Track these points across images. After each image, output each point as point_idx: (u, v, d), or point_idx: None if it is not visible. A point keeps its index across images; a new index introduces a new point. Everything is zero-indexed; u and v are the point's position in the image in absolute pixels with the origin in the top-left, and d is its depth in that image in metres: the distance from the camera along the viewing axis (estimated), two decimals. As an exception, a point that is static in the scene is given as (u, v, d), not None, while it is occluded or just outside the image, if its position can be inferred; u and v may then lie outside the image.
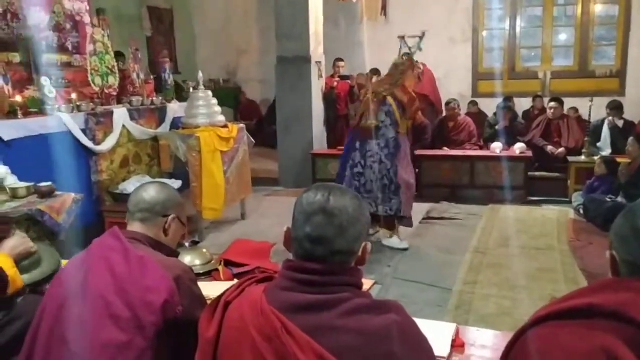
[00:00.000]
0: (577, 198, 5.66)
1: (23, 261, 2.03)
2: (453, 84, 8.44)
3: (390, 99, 4.55)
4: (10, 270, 1.88)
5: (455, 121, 7.06)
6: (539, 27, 8.46)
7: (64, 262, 1.98)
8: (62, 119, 4.25)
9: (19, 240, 2.10)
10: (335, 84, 7.61)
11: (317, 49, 7.14)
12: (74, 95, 4.53)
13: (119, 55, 5.35)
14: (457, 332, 1.82)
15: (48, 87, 4.33)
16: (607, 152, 6.36)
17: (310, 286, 1.20)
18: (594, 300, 1.03)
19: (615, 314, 0.99)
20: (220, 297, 1.30)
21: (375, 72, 7.01)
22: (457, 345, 1.76)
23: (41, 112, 4.29)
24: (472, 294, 3.70)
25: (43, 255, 2.14)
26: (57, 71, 4.55)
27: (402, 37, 5.34)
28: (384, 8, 8.76)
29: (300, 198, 1.27)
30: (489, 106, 7.75)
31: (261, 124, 9.56)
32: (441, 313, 3.35)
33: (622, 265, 1.10)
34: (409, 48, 5.14)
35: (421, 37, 5.13)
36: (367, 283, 2.24)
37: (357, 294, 1.22)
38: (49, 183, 3.59)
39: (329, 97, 7.48)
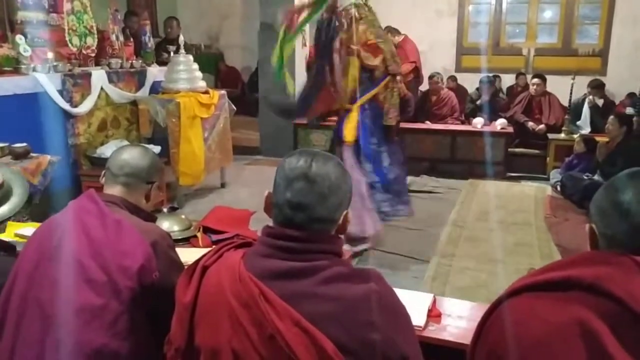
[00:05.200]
0: (555, 175, 5.73)
1: None
2: (437, 57, 8.39)
3: None
4: None
5: (438, 95, 7.05)
6: (524, 3, 8.41)
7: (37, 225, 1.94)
8: (37, 79, 4.13)
9: None
10: (319, 52, 7.50)
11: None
12: (50, 55, 4.39)
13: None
14: (434, 302, 1.83)
15: (23, 45, 4.19)
16: (586, 130, 6.42)
17: (289, 253, 1.19)
18: (572, 273, 1.03)
19: (593, 287, 0.99)
20: (197, 261, 1.29)
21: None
22: (434, 315, 1.78)
23: (16, 71, 4.16)
24: (449, 266, 3.74)
25: (11, 184, 2.06)
26: (32, 29, 4.40)
27: None
28: (371, -23, 8.62)
29: (283, 162, 1.25)
30: (472, 81, 7.75)
31: (243, 91, 9.43)
32: (417, 284, 3.39)
33: (601, 239, 1.10)
34: None
35: None
36: (344, 253, 2.25)
37: (336, 262, 1.21)
38: (24, 144, 3.51)
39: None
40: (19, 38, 4.18)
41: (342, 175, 1.24)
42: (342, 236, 1.31)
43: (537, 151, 6.45)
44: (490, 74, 7.50)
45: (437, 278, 3.55)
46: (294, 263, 1.17)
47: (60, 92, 4.30)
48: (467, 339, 1.58)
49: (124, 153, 1.73)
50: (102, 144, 4.76)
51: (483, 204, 5.19)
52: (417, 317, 1.69)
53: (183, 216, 2.67)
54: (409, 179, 5.93)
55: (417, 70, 7.14)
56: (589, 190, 4.68)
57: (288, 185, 1.20)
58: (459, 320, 1.77)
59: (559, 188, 5.46)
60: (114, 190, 1.69)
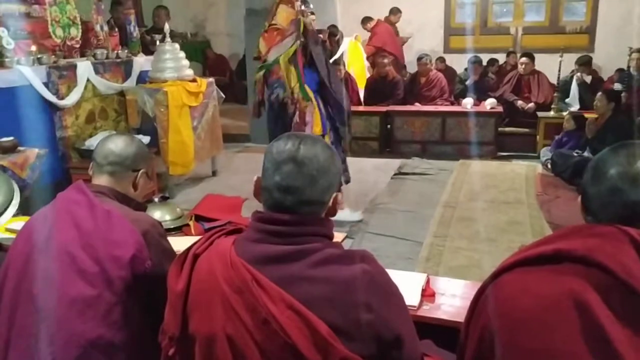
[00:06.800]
0: (545, 153, 5.75)
1: None
2: (425, 39, 8.38)
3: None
4: None
5: (427, 77, 7.04)
6: (511, -18, 8.40)
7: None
8: (22, 72, 4.07)
9: None
10: (307, 37, 7.45)
11: (287, 1, 6.94)
12: (33, 47, 4.33)
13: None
14: (428, 282, 1.84)
15: (6, 38, 4.12)
16: (575, 107, 6.43)
17: (279, 237, 1.18)
18: (563, 246, 1.04)
19: (584, 259, 1.00)
20: (188, 249, 1.28)
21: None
22: (428, 294, 1.78)
23: (0, 64, 4.11)
24: (442, 246, 3.76)
25: None
26: (15, 22, 4.33)
27: None
28: (357, -40, 8.56)
29: (271, 147, 1.24)
30: (461, 62, 7.74)
31: (232, 79, 9.37)
32: (412, 265, 3.41)
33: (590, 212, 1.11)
34: None
35: None
36: (338, 236, 2.25)
37: (327, 244, 1.21)
38: (11, 138, 3.47)
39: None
40: (2, 31, 4.12)
41: (330, 158, 1.24)
42: (332, 219, 1.30)
43: (527, 130, 6.47)
44: (487, 56, 7.50)
45: (430, 259, 3.57)
46: (285, 247, 1.17)
47: (46, 85, 4.25)
48: (461, 317, 1.58)
49: (109, 142, 1.72)
50: (90, 135, 4.70)
51: (474, 184, 5.20)
52: (411, 297, 1.69)
53: (174, 205, 2.65)
54: (400, 161, 5.97)
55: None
56: (579, 167, 4.71)
57: (276, 168, 1.19)
58: (452, 298, 1.78)
59: (549, 166, 5.49)
60: (101, 180, 1.68)
